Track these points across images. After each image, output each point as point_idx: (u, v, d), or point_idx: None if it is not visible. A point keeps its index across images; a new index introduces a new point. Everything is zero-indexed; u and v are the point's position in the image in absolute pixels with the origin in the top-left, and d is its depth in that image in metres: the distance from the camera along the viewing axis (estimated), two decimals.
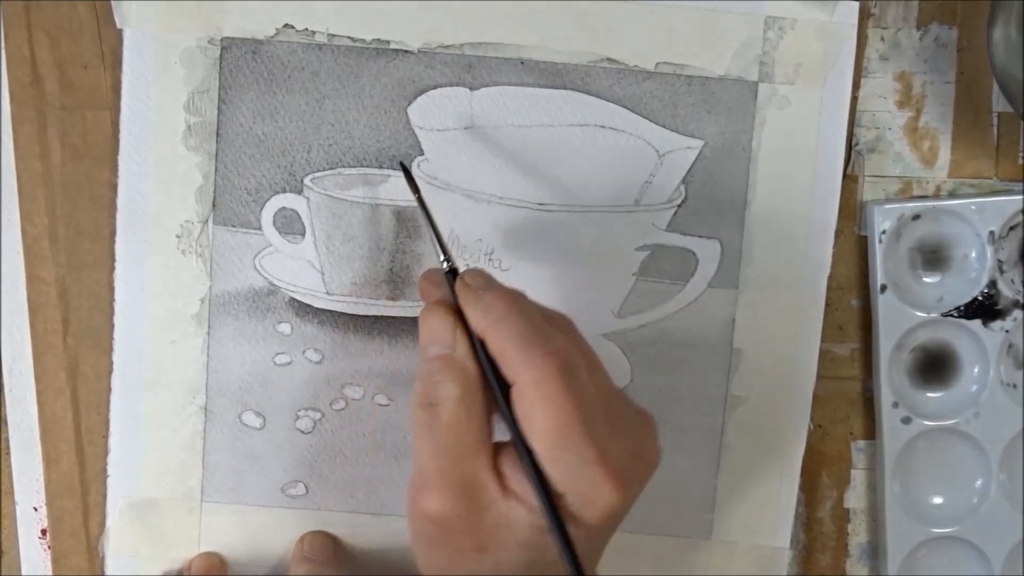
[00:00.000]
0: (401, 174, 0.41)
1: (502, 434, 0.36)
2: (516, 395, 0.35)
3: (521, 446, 0.35)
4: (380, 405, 0.46)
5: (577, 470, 0.35)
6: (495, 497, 0.36)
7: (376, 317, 0.46)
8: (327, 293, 0.46)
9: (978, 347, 0.48)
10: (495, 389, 0.36)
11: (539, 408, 0.35)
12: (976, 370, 0.48)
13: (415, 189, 0.41)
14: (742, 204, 0.46)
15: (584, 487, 0.35)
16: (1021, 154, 0.48)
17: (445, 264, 0.39)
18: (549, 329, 0.36)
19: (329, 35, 0.44)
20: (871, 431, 0.49)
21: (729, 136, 0.46)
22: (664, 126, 0.45)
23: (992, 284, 0.48)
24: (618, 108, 0.45)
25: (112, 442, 0.46)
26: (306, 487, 0.47)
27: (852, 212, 0.47)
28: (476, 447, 0.36)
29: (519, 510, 0.36)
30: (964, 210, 0.47)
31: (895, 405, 0.48)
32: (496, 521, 0.36)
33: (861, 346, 0.48)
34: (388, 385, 0.46)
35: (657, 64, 0.45)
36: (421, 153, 0.45)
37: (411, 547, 0.38)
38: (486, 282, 0.38)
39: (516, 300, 0.37)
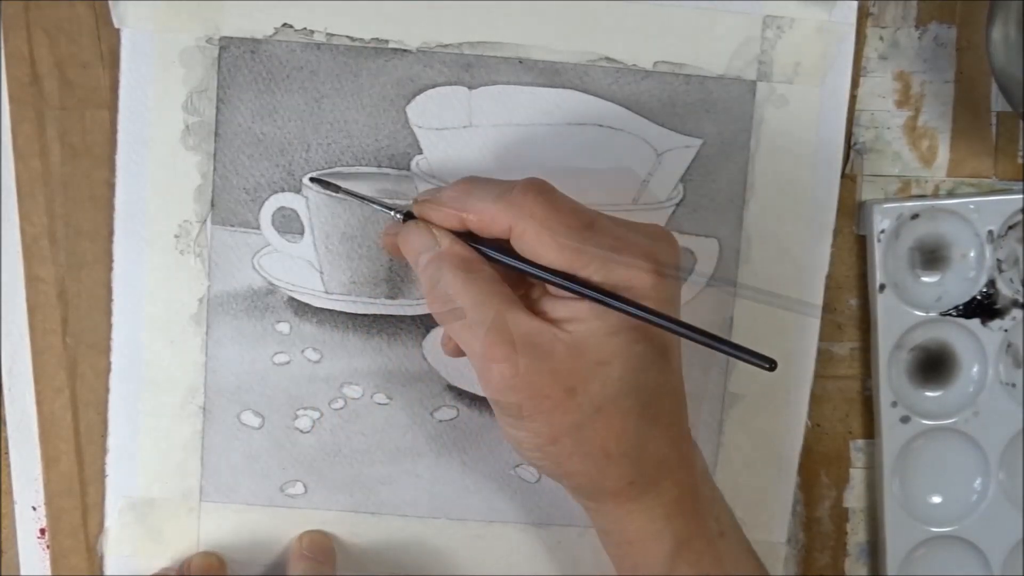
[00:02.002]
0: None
1: None
2: (515, 239, 0.37)
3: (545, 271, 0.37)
4: (379, 404, 0.46)
5: (604, 266, 0.36)
6: (553, 333, 0.36)
7: (375, 316, 0.46)
8: (326, 292, 0.46)
9: (977, 346, 0.48)
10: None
11: (543, 230, 0.36)
12: (975, 369, 0.48)
13: (335, 188, 0.43)
14: (740, 203, 0.46)
15: (617, 276, 0.36)
16: (1020, 153, 0.48)
17: (398, 215, 0.41)
18: (510, 180, 0.38)
19: (328, 34, 0.44)
20: (870, 430, 0.49)
21: (727, 135, 0.46)
22: (662, 125, 0.45)
23: (991, 283, 0.48)
24: (616, 107, 0.45)
25: (111, 442, 0.46)
26: (305, 486, 0.47)
27: (851, 211, 0.47)
28: (508, 305, 0.37)
29: (580, 329, 0.36)
30: (963, 209, 0.47)
31: (894, 404, 0.48)
32: (568, 354, 0.36)
33: (860, 345, 0.48)
34: (387, 384, 0.46)
35: (655, 63, 0.45)
36: (420, 152, 0.45)
37: (512, 443, 0.38)
38: (433, 191, 0.40)
39: (466, 179, 0.39)
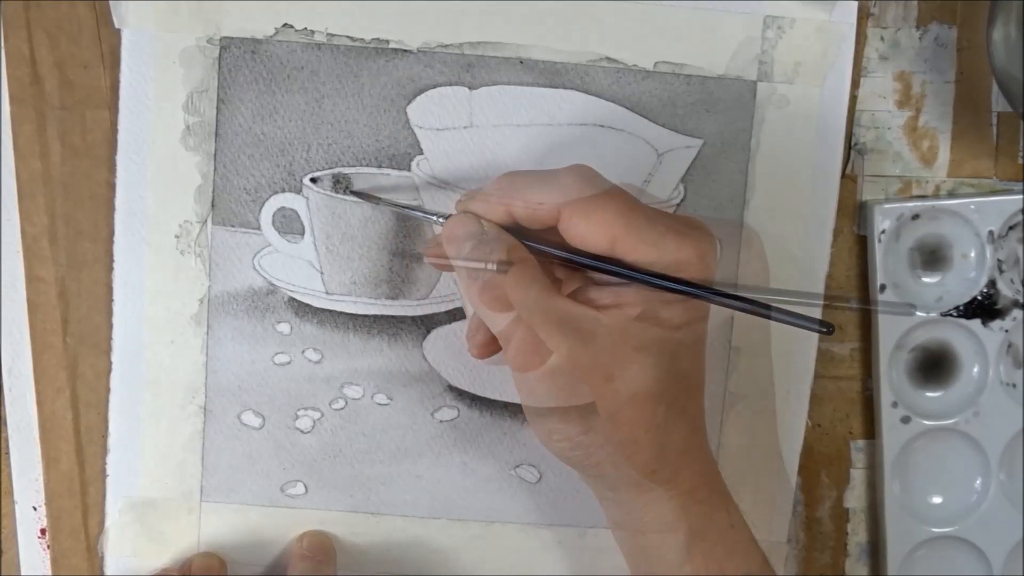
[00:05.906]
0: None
1: None
2: (564, 223, 0.37)
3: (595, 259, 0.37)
4: (379, 404, 0.46)
5: (653, 248, 0.36)
6: (596, 317, 0.36)
7: (375, 316, 0.46)
8: (326, 292, 0.46)
9: (977, 347, 0.48)
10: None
11: (592, 213, 0.36)
12: (975, 370, 0.48)
13: (375, 200, 0.44)
14: (741, 203, 0.46)
15: (666, 259, 0.36)
16: (1020, 154, 0.48)
17: (441, 221, 0.40)
18: (552, 169, 0.38)
19: (328, 34, 0.44)
20: (870, 431, 0.49)
21: (728, 135, 0.46)
22: (663, 125, 0.45)
23: (991, 284, 0.48)
24: (617, 107, 0.45)
25: (111, 442, 0.46)
26: (305, 486, 0.47)
27: (851, 212, 0.47)
28: (552, 289, 0.37)
29: (621, 315, 0.36)
30: (963, 210, 0.47)
31: (894, 405, 0.48)
32: (609, 339, 0.36)
33: (860, 345, 0.48)
34: (387, 384, 0.46)
35: (656, 63, 0.45)
36: (420, 152, 0.45)
37: (540, 436, 0.38)
38: (476, 190, 0.40)
39: (508, 172, 0.39)
